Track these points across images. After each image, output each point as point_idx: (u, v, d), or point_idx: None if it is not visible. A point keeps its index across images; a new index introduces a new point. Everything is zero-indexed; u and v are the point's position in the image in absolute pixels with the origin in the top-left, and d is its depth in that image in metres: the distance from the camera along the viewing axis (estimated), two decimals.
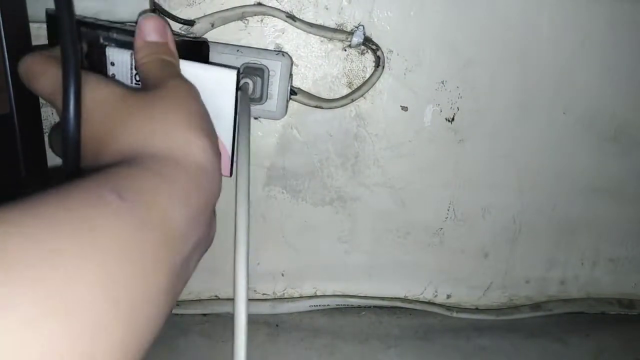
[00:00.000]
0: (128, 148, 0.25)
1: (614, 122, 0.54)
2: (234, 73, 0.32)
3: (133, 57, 0.32)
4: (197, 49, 0.39)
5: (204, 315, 0.57)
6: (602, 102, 0.54)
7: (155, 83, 0.28)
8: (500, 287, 0.60)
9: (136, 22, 0.32)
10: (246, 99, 0.36)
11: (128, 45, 0.32)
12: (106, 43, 0.33)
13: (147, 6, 0.40)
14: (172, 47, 0.31)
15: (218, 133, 0.31)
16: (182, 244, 0.23)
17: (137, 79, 0.32)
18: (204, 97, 0.30)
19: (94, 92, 0.27)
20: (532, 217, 0.58)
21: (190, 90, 0.29)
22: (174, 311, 0.56)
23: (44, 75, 0.28)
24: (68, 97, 0.25)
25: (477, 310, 0.61)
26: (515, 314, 0.60)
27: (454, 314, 0.59)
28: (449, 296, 0.60)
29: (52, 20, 0.35)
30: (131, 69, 0.32)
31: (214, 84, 0.32)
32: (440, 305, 0.60)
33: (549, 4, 0.50)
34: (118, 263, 0.18)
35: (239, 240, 0.30)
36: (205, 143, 0.27)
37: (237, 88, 0.33)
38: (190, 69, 0.31)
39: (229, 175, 0.36)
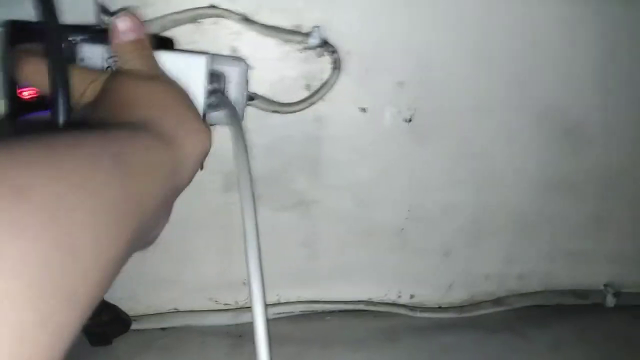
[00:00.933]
0: (140, 119, 0.26)
1: (565, 120, 0.56)
2: (204, 58, 0.33)
3: (105, 51, 0.32)
4: (163, 45, 0.38)
5: (163, 329, 0.55)
6: (555, 101, 0.55)
7: (148, 77, 0.30)
8: (462, 285, 0.61)
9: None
10: (231, 106, 0.36)
11: (97, 41, 0.33)
12: (75, 40, 0.33)
13: (91, 9, 0.38)
14: (148, 41, 0.31)
15: None
16: (148, 229, 0.24)
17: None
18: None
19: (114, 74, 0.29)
20: (490, 214, 0.59)
21: (180, 85, 0.31)
22: (132, 326, 0.54)
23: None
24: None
25: (440, 308, 0.61)
26: (476, 310, 0.61)
27: (418, 314, 0.59)
28: (412, 296, 0.61)
29: (18, 27, 0.36)
30: (102, 62, 0.32)
31: (186, 70, 0.32)
32: (404, 306, 0.60)
33: (502, 6, 0.51)
34: (82, 224, 0.18)
35: (251, 259, 0.30)
36: (205, 137, 0.29)
37: (208, 74, 0.33)
38: (160, 57, 0.32)
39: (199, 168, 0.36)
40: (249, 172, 0.32)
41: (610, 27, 0.53)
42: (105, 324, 0.49)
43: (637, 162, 0.60)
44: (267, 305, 0.57)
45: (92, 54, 0.32)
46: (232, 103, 0.37)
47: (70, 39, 0.33)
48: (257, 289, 0.28)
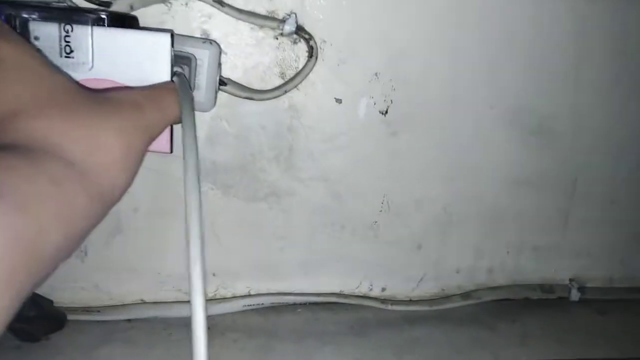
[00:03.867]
0: (30, 135, 0.21)
1: (536, 117, 0.57)
2: (167, 36, 0.32)
3: (61, 28, 0.30)
4: (126, 24, 0.37)
5: (129, 321, 0.53)
6: (526, 97, 0.56)
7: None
8: (433, 278, 0.62)
9: None
10: (187, 86, 0.34)
11: (52, 19, 0.31)
12: (28, 17, 0.31)
13: None
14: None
15: None
16: (44, 267, 0.19)
17: (68, 51, 0.31)
18: (139, 63, 0.30)
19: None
20: (461, 208, 0.59)
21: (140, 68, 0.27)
22: (96, 318, 0.52)
23: None
24: None
25: (410, 301, 0.61)
26: (446, 303, 0.62)
27: (389, 307, 0.59)
28: (383, 289, 0.61)
29: None
30: (60, 41, 0.31)
31: (149, 49, 0.31)
32: (375, 299, 0.60)
33: (478, 1, 0.51)
34: None
35: (192, 240, 0.27)
36: (120, 149, 0.23)
37: (172, 52, 0.32)
38: (122, 36, 0.31)
39: (168, 151, 0.34)
40: (197, 167, 0.28)
41: (583, 26, 0.54)
42: (30, 320, 0.46)
43: (604, 161, 0.61)
44: (233, 297, 0.56)
45: (47, 33, 0.30)
46: (191, 89, 0.35)
47: (24, 15, 0.31)
48: (197, 278, 0.26)
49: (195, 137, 0.29)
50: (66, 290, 0.52)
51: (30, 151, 0.20)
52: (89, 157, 0.22)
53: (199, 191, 0.27)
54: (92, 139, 0.22)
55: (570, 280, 0.66)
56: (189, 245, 0.26)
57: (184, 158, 0.28)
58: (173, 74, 0.33)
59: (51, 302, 0.51)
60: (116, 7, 0.40)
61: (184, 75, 0.35)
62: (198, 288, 0.25)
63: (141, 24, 0.42)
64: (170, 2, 0.43)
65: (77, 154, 0.21)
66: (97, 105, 0.24)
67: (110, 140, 0.23)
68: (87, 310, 0.53)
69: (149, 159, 0.48)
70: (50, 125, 0.21)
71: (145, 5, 0.42)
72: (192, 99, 0.32)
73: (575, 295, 0.65)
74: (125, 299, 0.54)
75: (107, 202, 0.23)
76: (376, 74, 0.50)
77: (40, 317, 0.48)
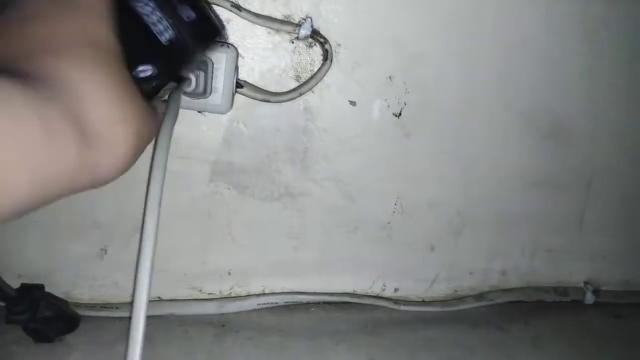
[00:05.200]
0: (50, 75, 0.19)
1: (551, 118, 0.57)
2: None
3: None
4: None
5: (146, 317, 0.54)
6: (541, 99, 0.56)
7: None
8: (446, 279, 0.62)
9: None
10: (178, 94, 0.33)
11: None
12: None
13: None
14: None
15: None
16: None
17: None
18: None
19: None
20: (475, 210, 0.59)
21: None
22: (114, 314, 0.53)
23: None
24: None
25: (423, 302, 0.62)
26: (459, 305, 0.62)
27: (402, 307, 0.60)
28: (396, 289, 0.61)
29: None
30: None
31: None
32: (388, 299, 0.60)
33: (492, 3, 0.51)
34: None
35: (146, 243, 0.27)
36: (143, 127, 0.22)
37: None
38: None
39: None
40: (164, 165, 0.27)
41: (597, 27, 0.54)
42: (44, 321, 0.46)
43: (619, 162, 0.60)
44: (248, 296, 0.56)
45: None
46: (180, 89, 0.34)
47: None
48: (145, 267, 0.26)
49: (165, 162, 0.28)
50: (86, 287, 0.54)
51: (44, 88, 0.18)
52: (103, 126, 0.20)
53: (158, 210, 0.27)
54: (117, 113, 0.20)
55: (585, 283, 0.66)
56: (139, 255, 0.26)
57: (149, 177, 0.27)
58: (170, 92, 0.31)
59: (66, 303, 0.51)
60: None
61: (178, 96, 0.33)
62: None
63: None
64: None
65: (93, 116, 0.19)
66: (133, 93, 0.22)
67: (131, 124, 0.21)
68: (106, 306, 0.54)
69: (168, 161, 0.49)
70: (83, 76, 0.19)
71: None
72: (175, 118, 0.31)
73: (590, 298, 0.65)
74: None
75: (93, 181, 0.21)
76: (390, 77, 0.51)
77: (55, 317, 0.48)
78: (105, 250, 0.52)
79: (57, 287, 0.52)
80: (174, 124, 0.30)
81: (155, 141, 0.28)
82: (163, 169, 0.27)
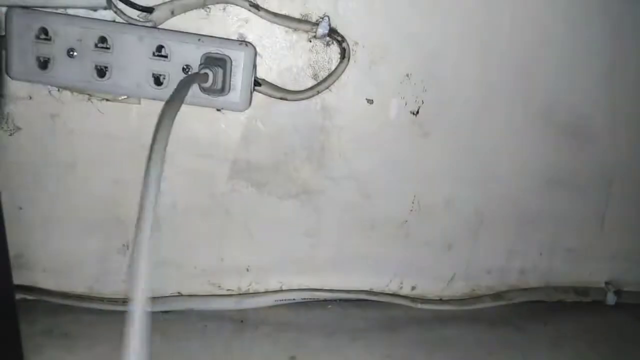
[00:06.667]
0: None
1: (570, 117, 0.56)
2: None
3: None
4: None
5: (165, 312, 0.55)
6: (560, 97, 0.55)
7: None
8: (463, 278, 0.61)
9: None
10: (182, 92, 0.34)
11: None
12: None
13: None
14: None
15: None
16: None
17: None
18: None
19: None
20: (493, 208, 0.59)
21: None
22: None
23: None
24: None
25: (440, 301, 0.61)
26: (477, 304, 0.61)
27: (419, 305, 0.60)
28: (413, 288, 0.61)
29: None
30: None
31: None
32: (405, 297, 0.60)
33: (511, 1, 0.50)
34: None
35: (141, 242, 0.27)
36: None
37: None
38: None
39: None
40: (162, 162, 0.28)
41: (618, 24, 0.53)
42: None
43: None
44: (266, 292, 0.57)
45: None
46: (184, 87, 0.34)
47: None
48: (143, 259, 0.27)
49: (166, 140, 0.29)
50: (108, 282, 0.55)
51: None
52: None
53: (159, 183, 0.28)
54: None
55: (606, 283, 0.65)
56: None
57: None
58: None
59: None
60: (158, 14, 0.43)
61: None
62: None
63: (180, 29, 0.44)
64: (209, 8, 0.45)
65: None
66: None
67: None
68: (127, 301, 0.55)
69: (186, 158, 0.50)
70: None
71: (185, 10, 0.44)
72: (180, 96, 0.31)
73: (611, 299, 0.64)
74: (163, 291, 0.56)
75: None
76: (407, 75, 0.51)
77: None
78: (127, 246, 0.54)
79: (80, 282, 0.54)
80: (175, 113, 0.30)
81: (155, 130, 0.29)
82: (163, 150, 0.28)
